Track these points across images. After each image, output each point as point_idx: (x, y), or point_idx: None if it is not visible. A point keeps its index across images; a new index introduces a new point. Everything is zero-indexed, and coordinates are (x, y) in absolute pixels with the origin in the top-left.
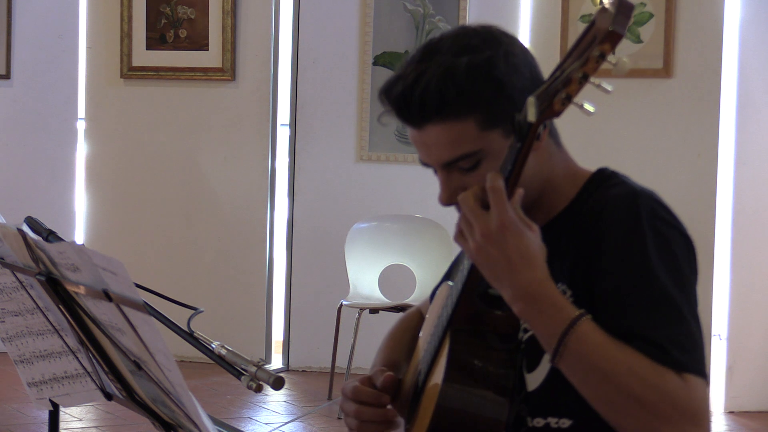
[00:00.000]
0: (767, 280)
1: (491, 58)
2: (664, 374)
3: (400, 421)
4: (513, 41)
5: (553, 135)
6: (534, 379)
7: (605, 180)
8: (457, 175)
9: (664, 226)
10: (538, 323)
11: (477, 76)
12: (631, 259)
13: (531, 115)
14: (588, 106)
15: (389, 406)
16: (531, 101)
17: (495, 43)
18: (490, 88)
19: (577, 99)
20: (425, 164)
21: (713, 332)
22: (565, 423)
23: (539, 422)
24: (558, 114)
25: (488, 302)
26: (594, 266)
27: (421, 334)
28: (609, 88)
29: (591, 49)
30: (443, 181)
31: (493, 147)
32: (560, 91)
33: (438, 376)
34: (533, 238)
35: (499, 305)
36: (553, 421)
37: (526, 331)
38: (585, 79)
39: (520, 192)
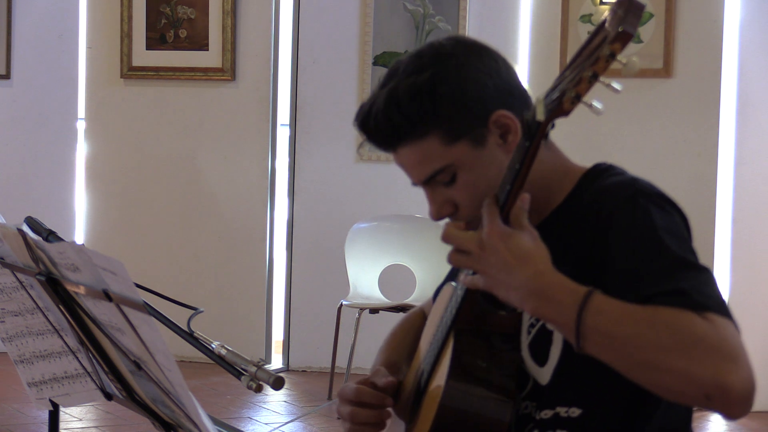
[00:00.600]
0: (767, 280)
1: (435, 74)
2: (689, 317)
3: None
4: (471, 53)
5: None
6: (545, 373)
7: (601, 174)
8: (440, 189)
9: (665, 203)
10: (552, 313)
11: (420, 96)
12: (641, 234)
13: (540, 114)
14: (597, 105)
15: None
16: (539, 100)
17: (444, 58)
18: (439, 104)
19: (585, 98)
20: (414, 184)
21: None
22: (575, 412)
23: (547, 413)
24: (567, 113)
25: (491, 303)
26: (602, 253)
27: (423, 335)
28: (618, 87)
29: (601, 49)
30: (429, 197)
31: (462, 159)
32: (570, 90)
33: (441, 377)
34: (527, 237)
35: (503, 306)
36: (562, 410)
37: (531, 327)
38: (595, 78)
39: (525, 197)
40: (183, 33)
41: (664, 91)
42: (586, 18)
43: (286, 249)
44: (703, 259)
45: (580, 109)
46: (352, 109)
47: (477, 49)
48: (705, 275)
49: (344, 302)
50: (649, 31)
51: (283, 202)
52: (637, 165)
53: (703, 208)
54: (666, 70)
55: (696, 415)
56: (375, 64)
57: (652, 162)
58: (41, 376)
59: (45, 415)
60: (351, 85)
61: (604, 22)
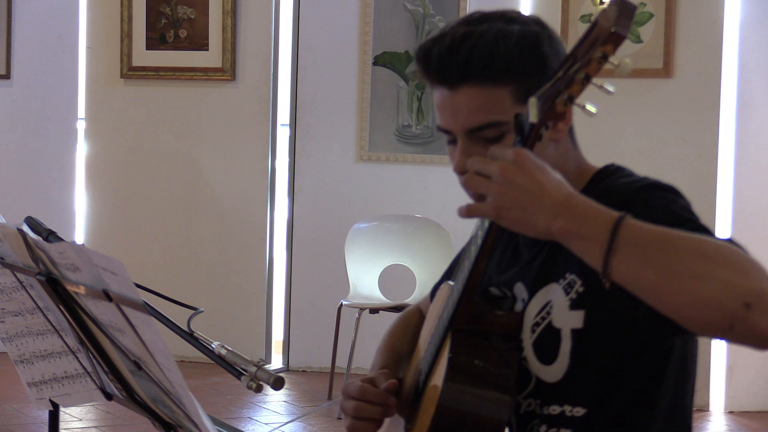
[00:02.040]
0: None
1: (540, 33)
2: (726, 243)
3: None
4: (555, 32)
5: (571, 135)
6: (553, 371)
7: (611, 174)
8: (477, 146)
9: (678, 196)
10: (585, 228)
11: (526, 46)
12: (661, 213)
13: (533, 115)
14: (590, 107)
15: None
16: (533, 102)
17: (542, 23)
18: (535, 61)
19: (579, 100)
20: (445, 131)
21: None
22: (579, 411)
23: (555, 410)
24: (560, 115)
25: (489, 302)
26: None
27: (421, 334)
28: (611, 88)
29: (593, 50)
30: (462, 148)
31: None
32: (563, 92)
33: (439, 377)
34: (555, 172)
35: (500, 305)
36: (567, 409)
37: (536, 326)
38: (587, 80)
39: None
40: (183, 33)
41: (664, 91)
42: (586, 18)
43: (286, 249)
44: None
45: (579, 110)
46: (352, 109)
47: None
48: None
49: (344, 302)
50: (649, 31)
51: (283, 202)
52: (637, 165)
53: (703, 208)
54: (666, 70)
55: (696, 415)
56: (375, 64)
57: (652, 162)
58: (41, 376)
59: (45, 415)
60: (351, 85)
61: (595, 23)
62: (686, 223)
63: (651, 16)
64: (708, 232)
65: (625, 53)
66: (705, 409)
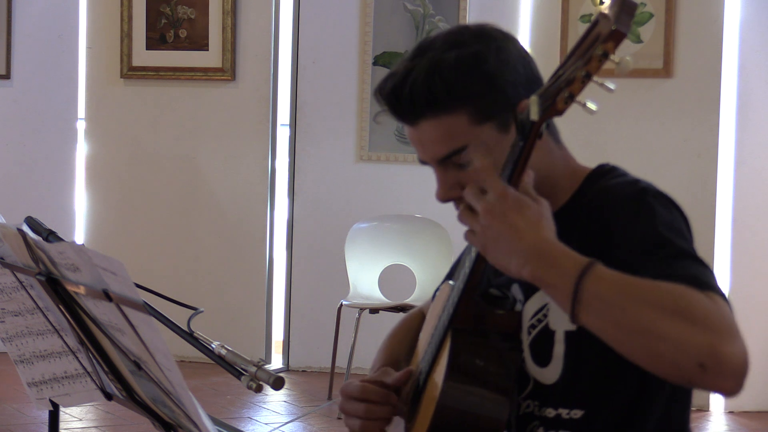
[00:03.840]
0: (767, 280)
1: (480, 52)
2: (692, 291)
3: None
4: (507, 38)
5: (552, 132)
6: (549, 374)
7: (605, 174)
8: (452, 172)
9: (668, 203)
10: (553, 278)
11: (465, 70)
12: (645, 229)
13: (534, 113)
14: (591, 105)
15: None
16: (534, 100)
17: (486, 38)
18: (480, 81)
19: (579, 98)
20: (423, 162)
21: None
22: (577, 414)
23: (551, 413)
24: (561, 113)
25: (489, 302)
26: (605, 249)
27: (421, 334)
28: (612, 86)
29: (594, 48)
30: (439, 177)
31: (486, 141)
32: (563, 90)
33: (439, 376)
34: (538, 207)
35: (501, 305)
36: (564, 412)
37: (532, 328)
38: (588, 77)
39: (530, 174)
40: (183, 33)
41: (664, 91)
42: (586, 18)
43: (286, 249)
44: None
45: (580, 109)
46: (352, 109)
47: (511, 37)
48: (706, 268)
49: (344, 302)
50: (649, 31)
51: (283, 202)
52: (637, 165)
53: (703, 208)
54: (666, 70)
55: (696, 415)
56: (375, 64)
57: (652, 162)
58: (41, 376)
59: (45, 415)
60: (351, 85)
61: (596, 21)
62: (665, 246)
63: (651, 16)
64: (686, 254)
65: (626, 53)
66: (705, 409)
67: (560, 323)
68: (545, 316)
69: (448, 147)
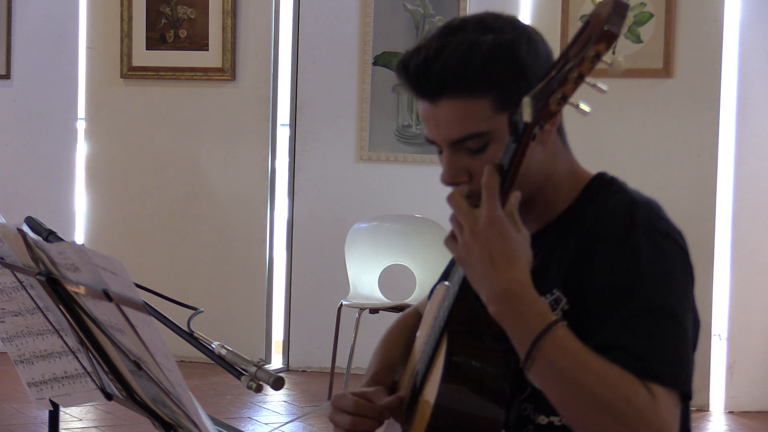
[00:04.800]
0: (767, 279)
1: (515, 40)
2: (635, 386)
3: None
4: (536, 32)
5: (561, 133)
6: None
7: (604, 186)
8: (462, 156)
9: (660, 237)
10: (514, 324)
11: (500, 56)
12: (621, 270)
13: (527, 115)
14: (584, 106)
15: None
16: (527, 101)
17: (519, 27)
18: (511, 69)
19: (572, 99)
20: (431, 141)
21: (713, 332)
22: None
23: (543, 420)
24: (554, 114)
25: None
26: (586, 277)
27: (418, 335)
28: (604, 87)
29: (586, 49)
30: (448, 159)
31: (503, 130)
32: (556, 91)
33: (435, 378)
34: (520, 240)
35: None
36: (556, 419)
37: None
38: (581, 79)
39: (516, 195)
40: (183, 33)
41: (664, 91)
42: (586, 18)
43: (286, 249)
44: (703, 259)
45: (573, 109)
46: (352, 109)
47: (538, 31)
48: (674, 329)
49: (344, 302)
50: (649, 31)
51: (283, 202)
52: (637, 165)
53: (703, 208)
54: (666, 70)
55: (696, 415)
56: (375, 64)
57: (651, 162)
58: (41, 376)
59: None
60: (351, 85)
61: (588, 22)
62: (635, 298)
63: (651, 16)
64: (654, 311)
65: (625, 53)
66: (705, 409)
67: None
68: None
69: (464, 130)
